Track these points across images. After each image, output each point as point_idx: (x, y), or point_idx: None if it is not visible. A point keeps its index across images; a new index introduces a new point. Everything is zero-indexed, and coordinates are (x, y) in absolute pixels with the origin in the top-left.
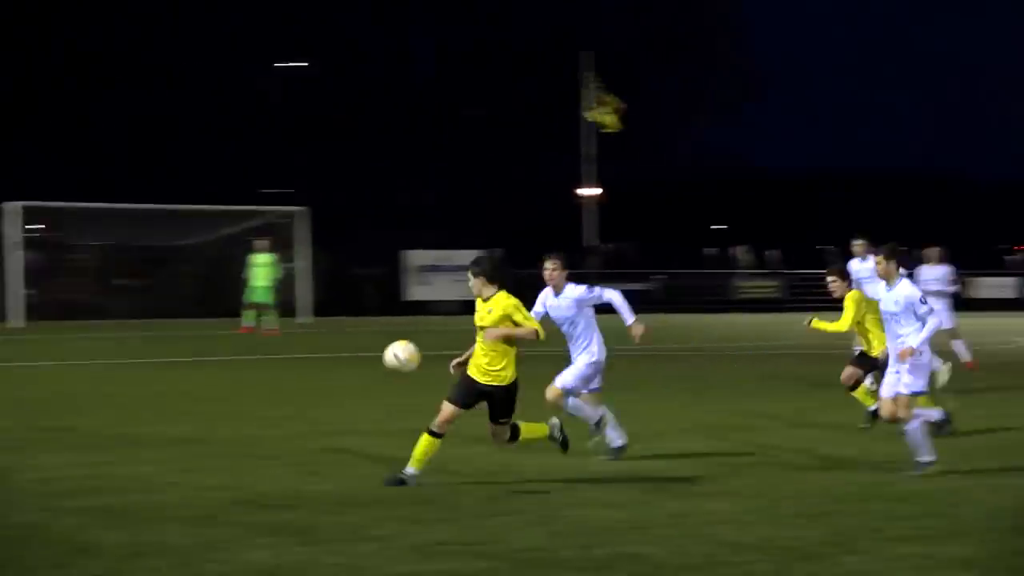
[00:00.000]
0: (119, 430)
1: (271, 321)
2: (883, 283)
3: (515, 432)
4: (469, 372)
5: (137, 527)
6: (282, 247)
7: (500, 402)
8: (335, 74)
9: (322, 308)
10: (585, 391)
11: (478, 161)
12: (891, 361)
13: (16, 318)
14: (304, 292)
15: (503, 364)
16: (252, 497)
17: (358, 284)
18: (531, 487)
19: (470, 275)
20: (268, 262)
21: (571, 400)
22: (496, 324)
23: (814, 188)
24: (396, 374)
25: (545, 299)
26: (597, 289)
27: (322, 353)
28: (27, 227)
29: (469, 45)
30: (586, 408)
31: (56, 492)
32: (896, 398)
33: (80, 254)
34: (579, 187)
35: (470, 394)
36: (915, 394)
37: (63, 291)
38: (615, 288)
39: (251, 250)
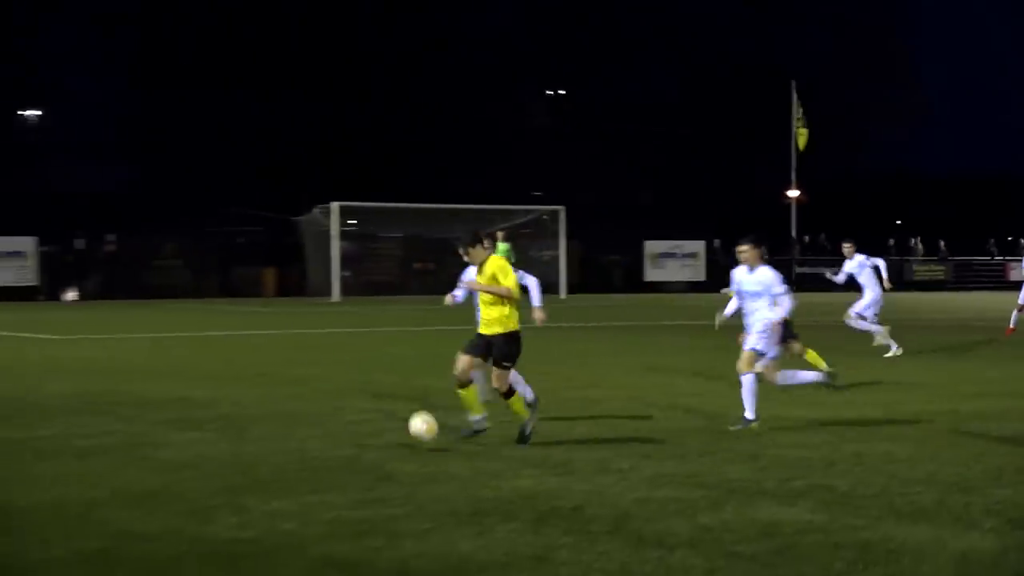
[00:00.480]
0: (414, 382)
1: None
2: (745, 266)
3: (510, 392)
4: (479, 329)
5: (428, 460)
6: (547, 238)
7: (498, 347)
8: (590, 100)
9: (575, 288)
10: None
11: (705, 168)
12: (753, 329)
13: (336, 295)
14: (561, 274)
15: (498, 315)
16: (518, 436)
17: (606, 268)
18: (743, 431)
19: (463, 251)
20: (504, 249)
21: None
22: (488, 283)
23: (979, 189)
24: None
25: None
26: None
27: (575, 323)
28: (345, 222)
29: (704, 74)
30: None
31: (365, 432)
32: (749, 354)
33: (384, 244)
34: (787, 189)
35: (478, 345)
36: (761, 354)
37: (371, 273)
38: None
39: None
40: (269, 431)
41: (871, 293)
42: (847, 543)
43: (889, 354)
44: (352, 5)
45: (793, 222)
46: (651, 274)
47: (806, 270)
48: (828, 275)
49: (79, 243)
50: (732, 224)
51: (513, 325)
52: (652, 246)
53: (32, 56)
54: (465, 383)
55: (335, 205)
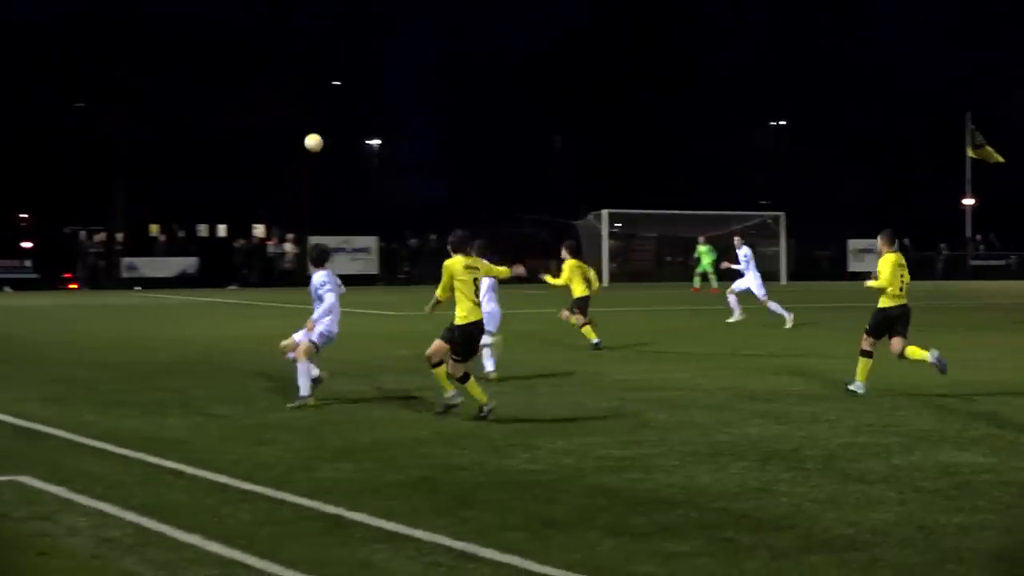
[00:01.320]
0: (663, 348)
1: (709, 285)
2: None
3: (465, 377)
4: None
5: (676, 411)
6: (771, 237)
7: (454, 338)
8: (807, 130)
9: (792, 276)
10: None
11: (897, 178)
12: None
13: (605, 281)
14: (782, 265)
15: (457, 308)
16: (747, 393)
17: (817, 260)
18: (924, 389)
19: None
20: (707, 250)
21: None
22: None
23: None
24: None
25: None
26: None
27: (794, 304)
28: (612, 225)
29: (896, 101)
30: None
31: (627, 388)
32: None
33: (642, 241)
34: (963, 198)
35: (448, 331)
36: (314, 344)
37: (632, 265)
38: None
39: (698, 241)
40: (552, 387)
41: (754, 277)
42: (1013, 481)
43: (788, 325)
44: (619, 52)
45: (968, 224)
46: (853, 265)
47: (979, 262)
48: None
49: (412, 241)
50: (919, 225)
51: (460, 318)
52: (854, 243)
53: (374, 97)
54: (439, 362)
55: (605, 212)
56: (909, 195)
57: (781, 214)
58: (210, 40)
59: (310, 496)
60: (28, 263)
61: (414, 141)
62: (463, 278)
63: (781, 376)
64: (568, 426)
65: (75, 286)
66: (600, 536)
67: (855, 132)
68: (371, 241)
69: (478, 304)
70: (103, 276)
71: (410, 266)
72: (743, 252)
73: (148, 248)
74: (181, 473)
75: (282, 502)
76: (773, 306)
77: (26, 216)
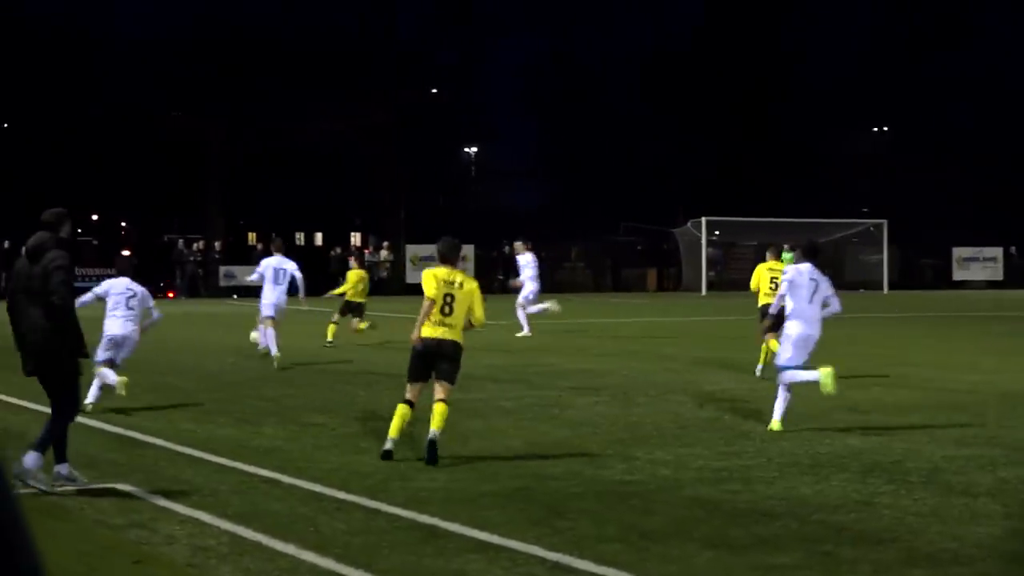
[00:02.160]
0: (756, 357)
1: None
2: None
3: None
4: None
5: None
6: (872, 245)
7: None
8: (910, 135)
9: (895, 285)
10: None
11: (1001, 187)
12: None
13: (703, 290)
14: (884, 274)
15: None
16: (847, 403)
17: (921, 269)
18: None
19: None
20: (791, 257)
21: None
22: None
23: None
24: None
25: None
26: None
27: (895, 313)
28: (711, 233)
29: (999, 108)
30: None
31: (723, 398)
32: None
33: (742, 249)
34: None
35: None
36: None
37: (731, 273)
38: None
39: (784, 248)
40: (649, 397)
41: (532, 285)
42: None
43: (521, 334)
44: (722, 57)
45: None
46: (958, 274)
47: None
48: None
49: (508, 249)
50: None
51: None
52: (959, 251)
53: (473, 102)
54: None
55: (704, 220)
56: (1016, 201)
57: (884, 221)
58: (307, 45)
59: (405, 506)
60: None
61: (512, 146)
62: (434, 293)
63: (882, 387)
64: (665, 436)
65: (172, 295)
66: (698, 548)
67: (960, 137)
68: (467, 249)
69: (442, 323)
70: (201, 285)
71: (504, 275)
72: (524, 259)
73: (246, 256)
74: (277, 482)
75: (377, 511)
76: (521, 314)
77: (124, 225)
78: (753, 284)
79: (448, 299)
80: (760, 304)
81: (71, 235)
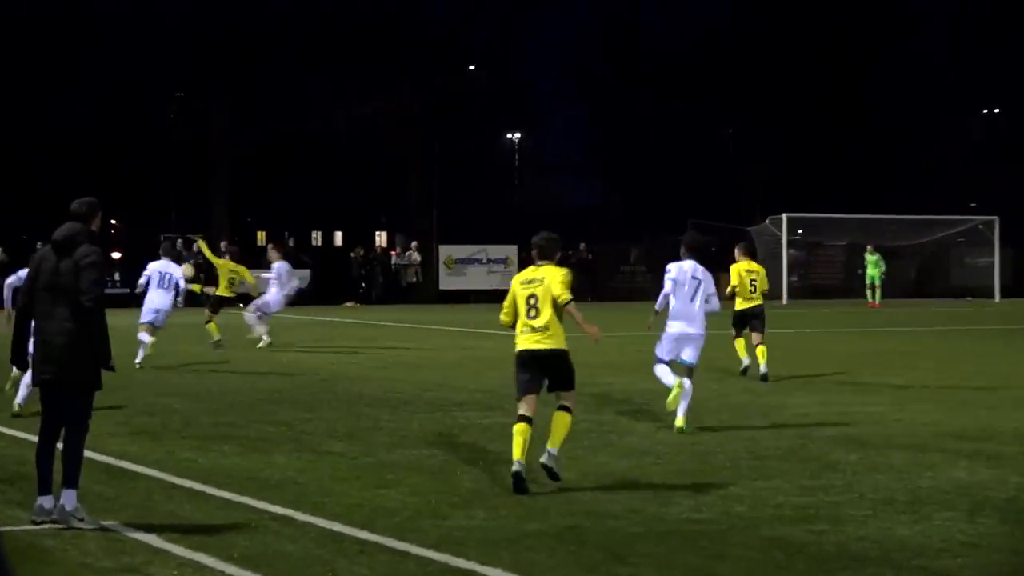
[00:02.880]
0: (851, 377)
1: (877, 298)
2: None
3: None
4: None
5: (868, 451)
6: (982, 245)
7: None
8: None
9: (1008, 291)
10: None
11: None
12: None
13: (784, 298)
14: (996, 279)
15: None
16: (953, 430)
17: None
18: None
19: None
20: (875, 260)
21: None
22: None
23: None
24: None
25: None
26: None
27: (1007, 325)
28: (793, 232)
29: None
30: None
31: (808, 424)
32: None
33: (829, 251)
34: None
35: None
36: None
37: (816, 278)
38: None
39: (867, 250)
40: (722, 422)
41: (275, 291)
42: None
43: (261, 344)
44: (803, 35)
45: None
46: None
47: None
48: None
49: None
50: None
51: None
52: None
53: (515, 84)
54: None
55: (784, 216)
56: None
57: (995, 218)
58: (325, 21)
59: (438, 547)
60: (116, 276)
61: (560, 135)
62: (510, 301)
63: (994, 411)
64: (740, 468)
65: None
66: None
67: None
68: (510, 251)
69: (532, 330)
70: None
71: None
72: (276, 266)
73: (256, 259)
74: (290, 519)
75: (406, 554)
76: (251, 318)
77: (113, 223)
78: (732, 283)
79: (532, 300)
80: (736, 309)
81: (100, 228)
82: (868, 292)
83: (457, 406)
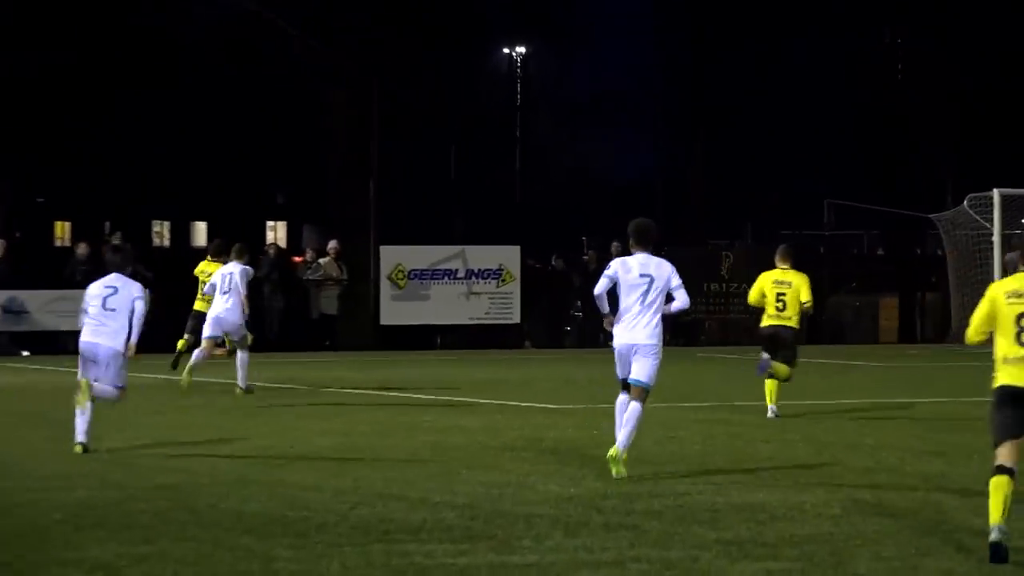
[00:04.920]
0: None
1: None
2: None
3: None
4: None
5: None
6: None
7: None
8: None
9: None
10: None
11: None
12: None
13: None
14: None
15: None
16: None
17: None
18: None
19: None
20: None
21: None
22: None
23: None
24: None
25: None
26: None
27: None
28: (1010, 220)
29: None
30: None
31: None
32: None
33: None
34: None
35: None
36: None
37: None
38: None
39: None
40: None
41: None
42: None
43: None
44: None
45: None
46: None
47: None
48: None
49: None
50: None
51: None
52: None
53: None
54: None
55: (996, 193)
56: None
57: None
58: None
59: None
60: None
61: (605, 64)
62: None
63: None
64: None
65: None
66: None
67: None
68: (507, 256)
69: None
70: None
71: (584, 303)
72: (230, 271)
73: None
74: None
75: None
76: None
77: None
78: (753, 296)
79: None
80: (762, 324)
81: None
82: None
83: (411, 533)
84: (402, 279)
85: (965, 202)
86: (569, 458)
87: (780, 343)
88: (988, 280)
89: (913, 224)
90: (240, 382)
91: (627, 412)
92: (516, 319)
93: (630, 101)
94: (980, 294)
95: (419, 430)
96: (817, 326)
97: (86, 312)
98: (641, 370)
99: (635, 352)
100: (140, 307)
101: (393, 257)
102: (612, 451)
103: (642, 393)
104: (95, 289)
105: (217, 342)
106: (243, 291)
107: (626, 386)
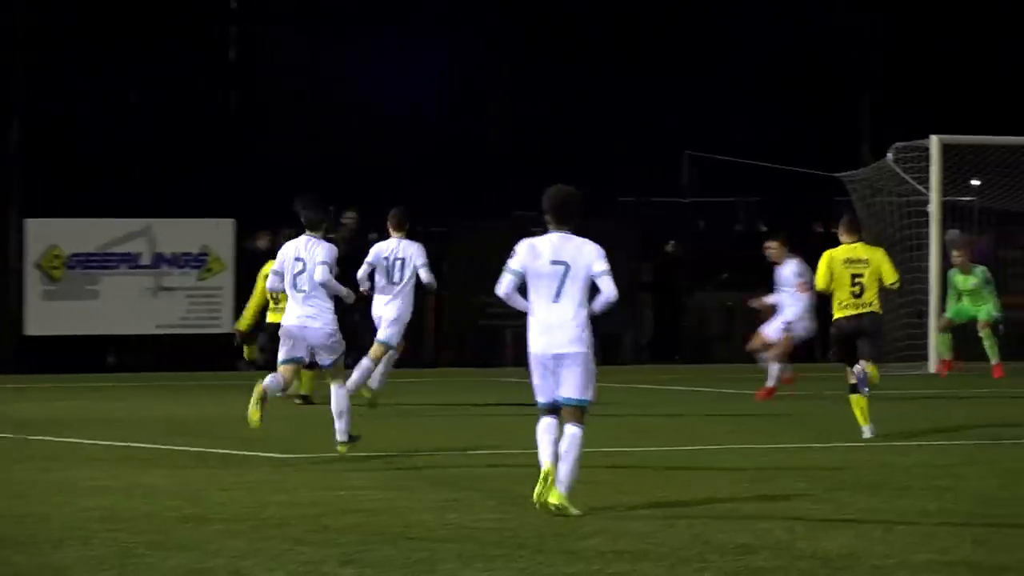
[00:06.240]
0: None
1: None
2: None
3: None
4: None
5: None
6: None
7: None
8: None
9: None
10: None
11: None
12: None
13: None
14: None
15: None
16: None
17: None
18: None
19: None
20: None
21: None
22: None
23: None
24: None
25: None
26: None
27: None
28: (956, 183)
29: None
30: None
31: None
32: None
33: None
34: None
35: None
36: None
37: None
38: None
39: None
40: None
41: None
42: None
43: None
44: None
45: None
46: None
47: None
48: None
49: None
50: None
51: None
52: None
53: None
54: None
55: (935, 139)
56: None
57: None
58: None
59: None
60: None
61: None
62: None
63: None
64: None
65: None
66: None
67: None
68: (215, 232)
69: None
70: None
71: None
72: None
73: None
74: None
75: None
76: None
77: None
78: (820, 280)
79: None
80: (836, 317)
81: None
82: None
83: None
84: (58, 268)
85: (889, 154)
86: (305, 533)
87: (863, 336)
88: (920, 266)
89: (814, 187)
90: None
91: (564, 442)
92: (226, 327)
93: None
94: (909, 285)
95: (81, 492)
96: (674, 338)
97: None
98: (572, 385)
99: (559, 362)
100: None
101: (45, 235)
102: (547, 493)
103: (578, 413)
104: None
105: None
106: None
107: (552, 410)
